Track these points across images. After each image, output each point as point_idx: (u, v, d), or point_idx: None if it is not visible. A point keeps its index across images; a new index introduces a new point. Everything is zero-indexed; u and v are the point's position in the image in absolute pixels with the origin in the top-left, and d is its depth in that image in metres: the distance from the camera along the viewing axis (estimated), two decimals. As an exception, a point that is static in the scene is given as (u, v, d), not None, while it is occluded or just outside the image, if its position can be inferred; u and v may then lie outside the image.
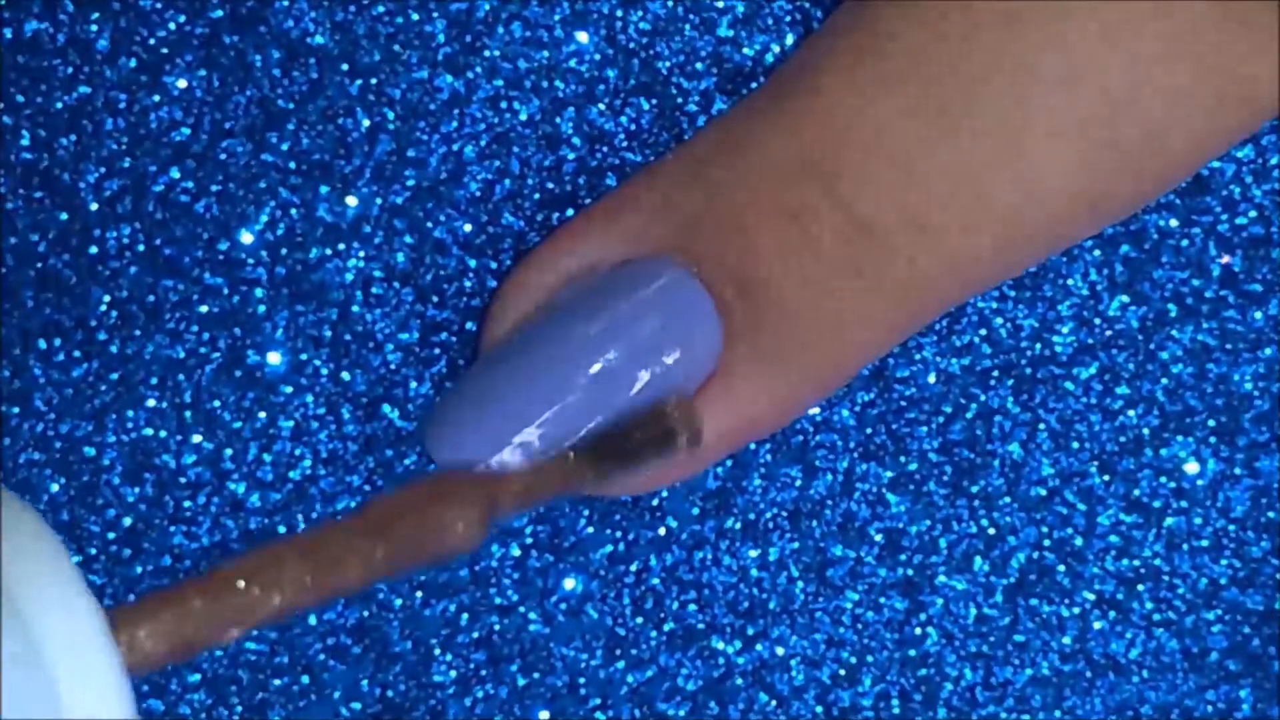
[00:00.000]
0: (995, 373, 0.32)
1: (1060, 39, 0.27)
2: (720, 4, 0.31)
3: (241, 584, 0.22)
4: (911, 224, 0.27)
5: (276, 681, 0.31)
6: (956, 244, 0.28)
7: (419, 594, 0.31)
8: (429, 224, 0.31)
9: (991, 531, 0.32)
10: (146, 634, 0.21)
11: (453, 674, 0.32)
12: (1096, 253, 0.32)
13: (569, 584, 0.32)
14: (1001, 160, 0.27)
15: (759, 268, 0.28)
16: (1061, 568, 0.32)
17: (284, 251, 0.31)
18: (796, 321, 0.28)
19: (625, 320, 0.28)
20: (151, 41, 0.31)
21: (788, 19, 0.31)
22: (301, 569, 0.23)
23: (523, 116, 0.31)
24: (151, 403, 0.31)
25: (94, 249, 0.31)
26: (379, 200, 0.31)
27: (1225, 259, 0.32)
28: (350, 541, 0.23)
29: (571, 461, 0.26)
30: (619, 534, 0.32)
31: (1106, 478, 0.32)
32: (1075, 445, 0.32)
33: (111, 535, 0.31)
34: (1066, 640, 0.32)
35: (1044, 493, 0.32)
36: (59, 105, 0.31)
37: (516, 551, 0.32)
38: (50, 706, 0.20)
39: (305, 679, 0.31)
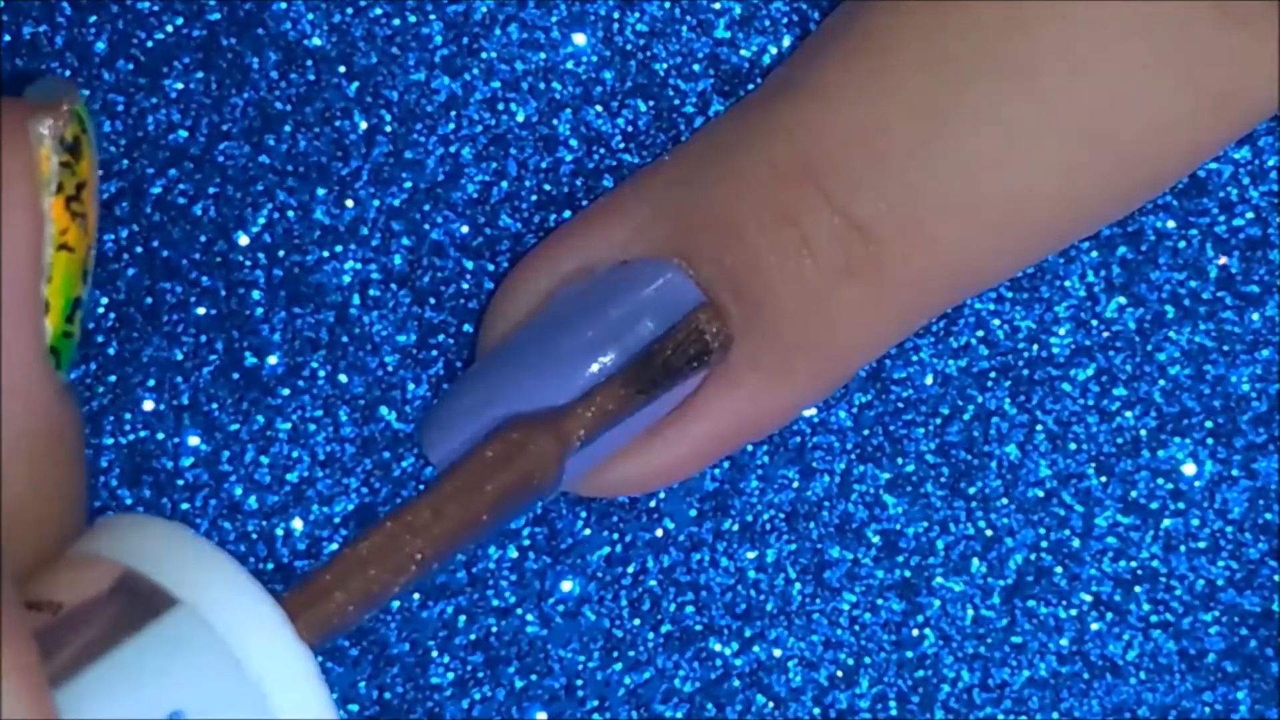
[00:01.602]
0: (992, 374, 0.32)
1: (1057, 40, 0.27)
2: (717, 6, 0.31)
3: (372, 572, 0.25)
4: (907, 225, 0.27)
5: (274, 683, 0.31)
6: (953, 245, 0.28)
7: (416, 595, 0.31)
8: (426, 226, 0.31)
9: (989, 533, 0.32)
10: (303, 625, 0.23)
11: (450, 676, 0.32)
12: (1094, 254, 0.32)
13: (566, 586, 0.32)
14: (998, 161, 0.27)
15: (755, 270, 0.28)
16: (1059, 569, 0.32)
17: (281, 253, 0.31)
18: (793, 323, 0.28)
19: (622, 322, 0.28)
20: (149, 44, 0.31)
21: (785, 20, 0.31)
22: (420, 540, 0.25)
23: (520, 118, 0.31)
24: (149, 405, 0.31)
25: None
26: (376, 202, 0.31)
27: (1222, 260, 0.32)
28: (452, 507, 0.26)
29: (621, 388, 0.27)
30: (616, 536, 0.32)
31: (1104, 479, 0.32)
32: (1073, 446, 0.32)
33: (109, 537, 0.31)
34: (1064, 642, 0.32)
35: (1041, 494, 0.32)
36: (56, 108, 0.31)
37: (514, 553, 0.32)
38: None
39: (303, 681, 0.31)
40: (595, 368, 0.28)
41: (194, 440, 0.31)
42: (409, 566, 0.25)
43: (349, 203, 0.31)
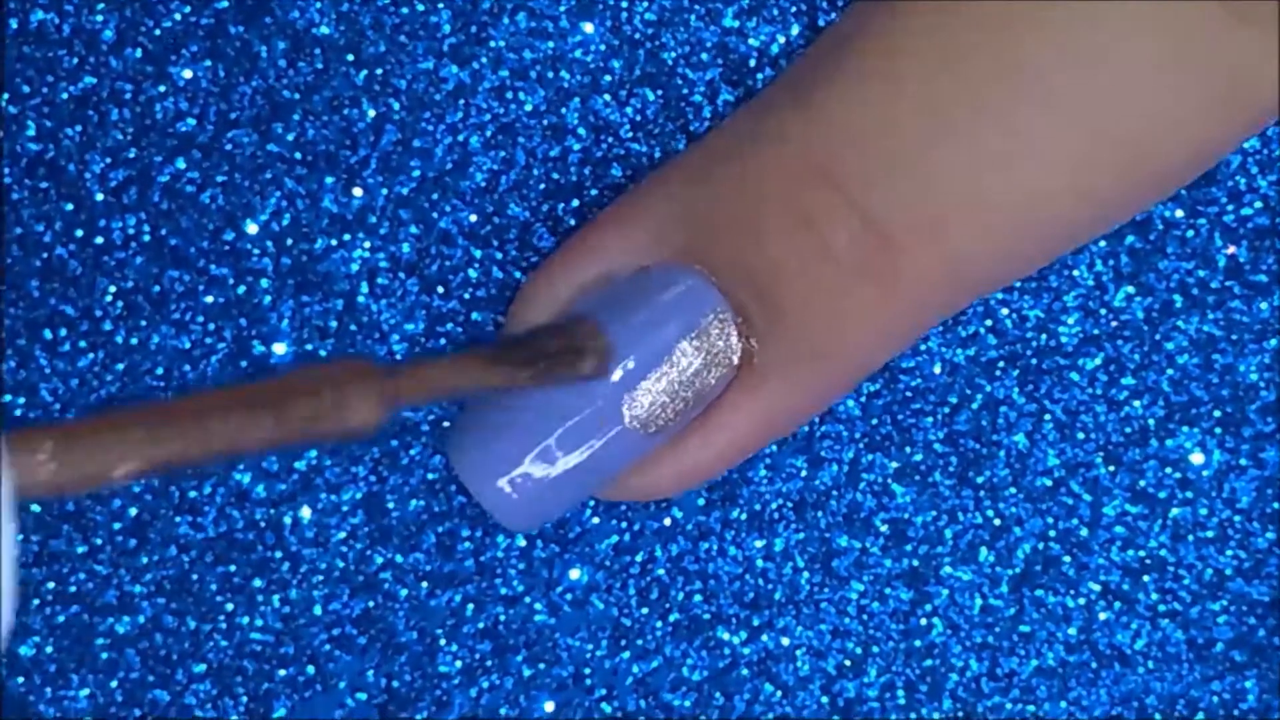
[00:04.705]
0: (1001, 363, 0.32)
1: (1067, 39, 0.27)
2: (725, -5, 0.31)
3: (132, 430, 0.22)
4: (924, 225, 0.27)
5: (282, 672, 0.31)
6: (968, 244, 0.28)
7: (424, 585, 0.31)
8: (434, 214, 0.31)
9: (997, 522, 0.32)
10: (37, 466, 0.22)
11: (458, 664, 0.32)
12: (1102, 244, 0.32)
13: (574, 574, 0.32)
14: (1011, 160, 0.27)
15: (776, 273, 0.28)
16: (1067, 558, 0.32)
17: (289, 242, 0.31)
18: (813, 324, 0.28)
19: (643, 327, 0.28)
20: (157, 32, 0.31)
21: (793, 10, 0.31)
22: (200, 426, 0.23)
23: (528, 107, 0.31)
24: (157, 393, 0.31)
25: (99, 239, 0.31)
26: (384, 190, 0.31)
27: (1231, 250, 0.32)
28: (247, 409, 0.23)
29: (478, 359, 0.26)
30: (624, 525, 0.32)
31: (1112, 468, 0.32)
32: (1081, 436, 0.32)
33: (117, 525, 0.31)
34: (1072, 631, 0.32)
35: (1049, 483, 0.32)
36: (64, 96, 0.31)
37: (522, 542, 0.32)
38: None
39: (311, 669, 0.31)
40: (618, 375, 0.28)
41: (202, 429, 0.31)
42: (157, 458, 0.23)
43: (357, 191, 0.31)
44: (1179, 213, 0.32)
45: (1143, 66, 0.27)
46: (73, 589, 0.31)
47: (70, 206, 0.31)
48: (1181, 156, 0.28)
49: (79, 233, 0.31)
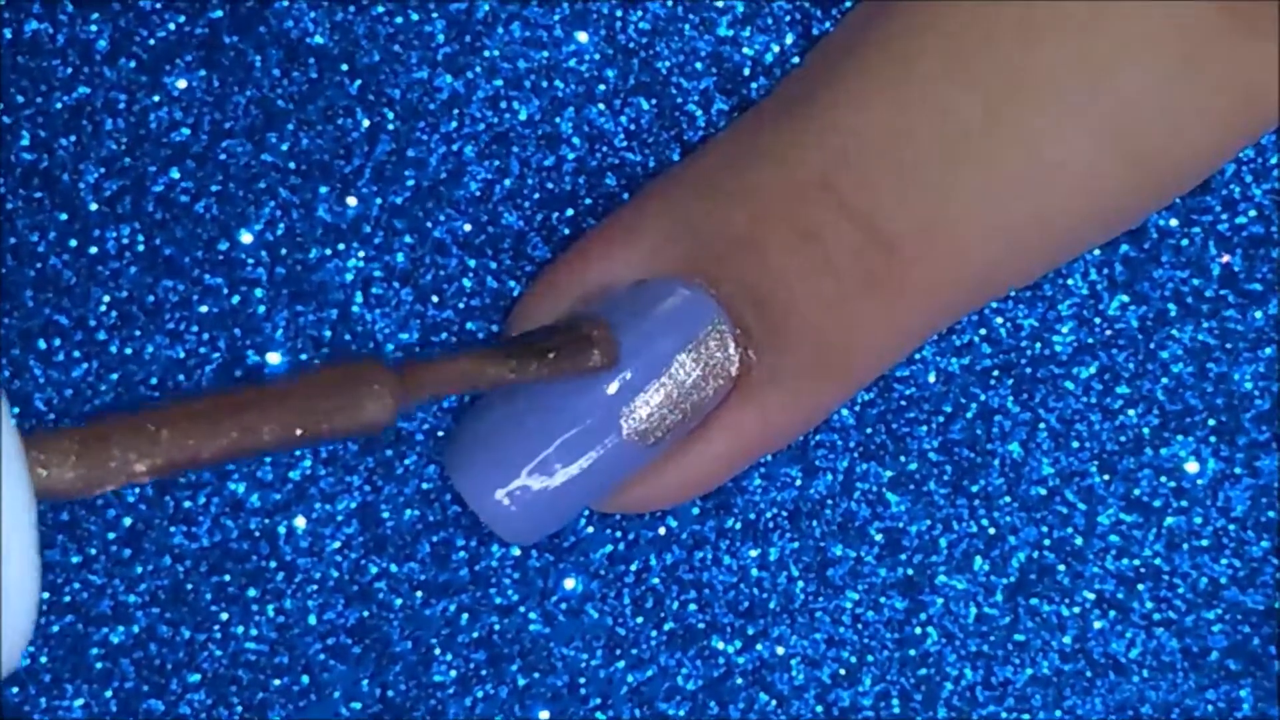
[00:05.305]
0: (995, 372, 0.32)
1: (1078, 50, 0.27)
2: (720, 4, 0.31)
3: (151, 428, 0.23)
4: (928, 237, 0.27)
5: (277, 681, 0.31)
6: (974, 254, 0.27)
7: (419, 594, 0.31)
8: (429, 224, 0.31)
9: (992, 531, 0.32)
10: (60, 467, 0.22)
11: (453, 674, 0.32)
12: (1096, 252, 0.32)
13: (569, 584, 0.32)
14: (1019, 171, 0.27)
15: (777, 287, 0.28)
16: (1062, 567, 0.32)
17: (284, 251, 0.31)
18: (814, 336, 0.28)
19: (642, 339, 0.28)
20: (151, 42, 0.31)
21: (787, 19, 0.31)
22: (218, 424, 0.23)
23: (522, 116, 0.31)
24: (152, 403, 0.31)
25: (94, 249, 0.31)
26: (379, 200, 0.31)
27: (1225, 258, 0.32)
28: (262, 408, 0.23)
29: (488, 354, 0.26)
30: (619, 534, 0.32)
31: (1106, 477, 0.32)
32: (1075, 445, 0.32)
33: (111, 535, 0.31)
34: (1067, 640, 0.32)
35: (1044, 492, 0.32)
36: (59, 105, 0.31)
37: (516, 551, 0.32)
38: None
39: (305, 679, 0.31)
40: (614, 387, 0.28)
41: (196, 438, 0.31)
42: (176, 457, 0.23)
43: (351, 201, 0.31)
44: (1173, 221, 0.32)
45: (1152, 75, 0.27)
46: (67, 599, 0.31)
47: (64, 216, 0.31)
48: (1189, 164, 0.28)
49: (73, 242, 0.31)
